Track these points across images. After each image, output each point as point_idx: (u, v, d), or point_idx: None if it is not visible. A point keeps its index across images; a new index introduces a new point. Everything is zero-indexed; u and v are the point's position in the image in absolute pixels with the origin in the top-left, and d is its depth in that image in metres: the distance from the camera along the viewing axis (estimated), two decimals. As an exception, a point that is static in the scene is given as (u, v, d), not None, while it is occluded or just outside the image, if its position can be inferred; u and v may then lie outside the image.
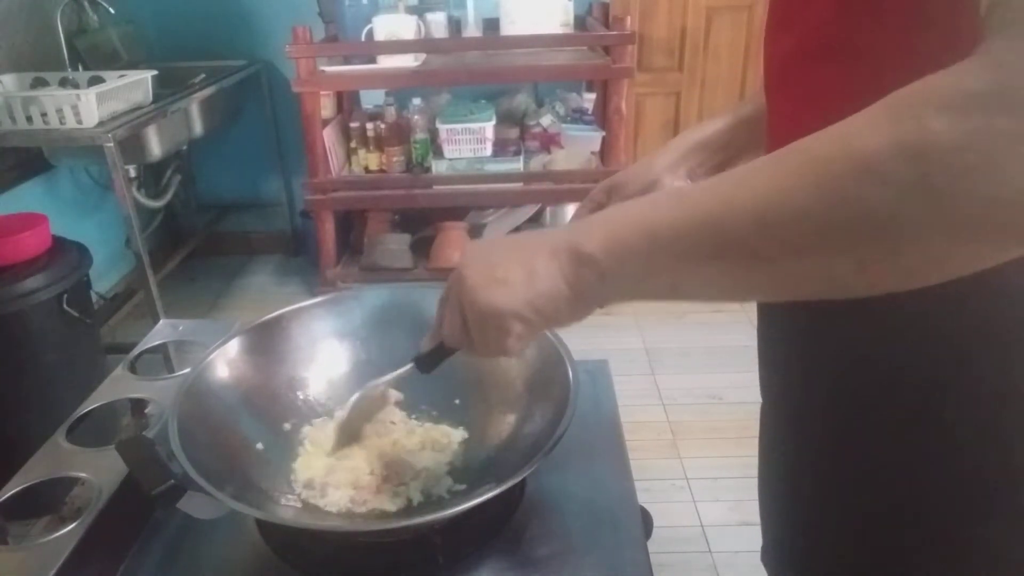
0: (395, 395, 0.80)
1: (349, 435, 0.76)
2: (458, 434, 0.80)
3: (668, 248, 0.42)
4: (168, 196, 2.78)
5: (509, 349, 0.51)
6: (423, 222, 2.88)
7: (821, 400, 0.61)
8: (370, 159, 2.67)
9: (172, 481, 0.61)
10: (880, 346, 0.54)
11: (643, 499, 0.75)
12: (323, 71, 2.52)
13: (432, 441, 0.78)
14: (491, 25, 2.72)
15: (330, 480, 0.73)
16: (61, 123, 2.00)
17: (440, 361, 0.63)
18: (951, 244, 0.35)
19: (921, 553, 0.57)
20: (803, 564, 0.68)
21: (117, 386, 0.89)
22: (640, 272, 0.44)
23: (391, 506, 0.71)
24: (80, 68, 2.42)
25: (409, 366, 0.66)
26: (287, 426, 0.80)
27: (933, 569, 0.57)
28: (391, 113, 2.62)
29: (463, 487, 0.73)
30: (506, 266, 0.48)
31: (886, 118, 0.36)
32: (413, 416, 0.83)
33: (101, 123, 2.03)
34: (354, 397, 0.74)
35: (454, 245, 2.75)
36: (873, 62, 0.49)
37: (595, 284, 0.45)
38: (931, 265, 0.36)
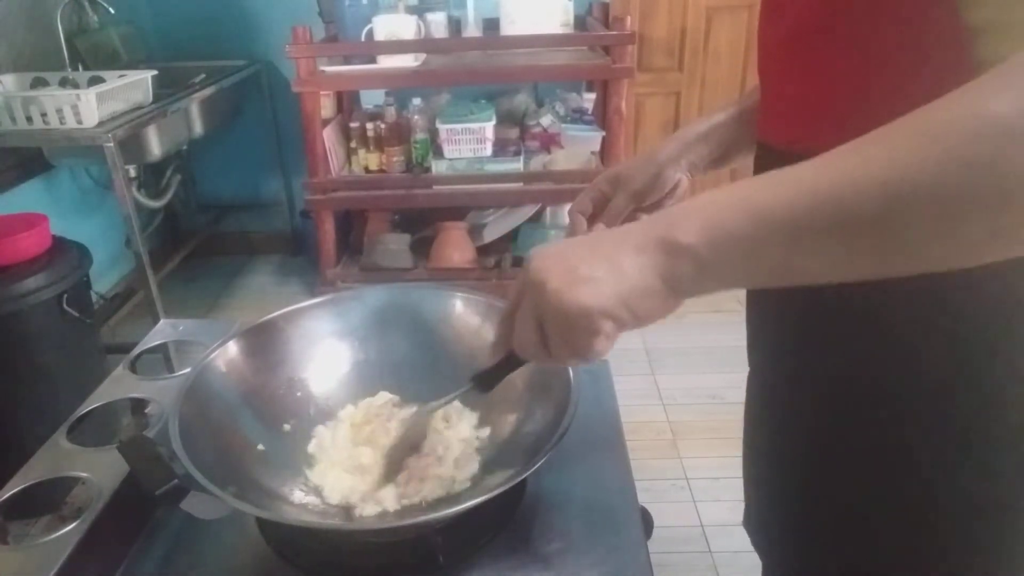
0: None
1: (396, 463, 0.73)
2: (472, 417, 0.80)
3: (783, 229, 0.41)
4: (168, 196, 2.78)
5: (597, 351, 0.48)
6: (423, 222, 2.88)
7: (807, 380, 0.62)
8: (370, 159, 2.67)
9: (175, 481, 0.61)
10: (868, 339, 0.56)
11: (643, 499, 0.75)
12: (323, 71, 2.52)
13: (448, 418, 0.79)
14: (491, 25, 2.72)
15: (357, 487, 0.72)
16: (61, 123, 2.00)
17: (503, 378, 0.60)
18: None
19: (892, 538, 0.59)
20: (783, 533, 0.71)
21: (117, 386, 0.89)
22: (747, 258, 0.42)
23: (429, 494, 0.71)
24: (80, 68, 2.42)
25: (465, 387, 0.63)
26: (287, 427, 0.80)
27: (906, 551, 0.59)
28: (391, 113, 2.62)
29: (466, 485, 0.73)
30: (590, 264, 0.46)
31: (1010, 80, 0.36)
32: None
33: (101, 123, 2.03)
34: (405, 419, 0.72)
35: (454, 245, 2.75)
36: (862, 41, 0.50)
37: (693, 275, 0.44)
38: None
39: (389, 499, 0.71)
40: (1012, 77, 0.36)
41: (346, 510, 0.71)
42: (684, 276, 0.44)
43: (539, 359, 0.52)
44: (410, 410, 0.81)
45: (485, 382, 0.62)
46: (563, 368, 0.73)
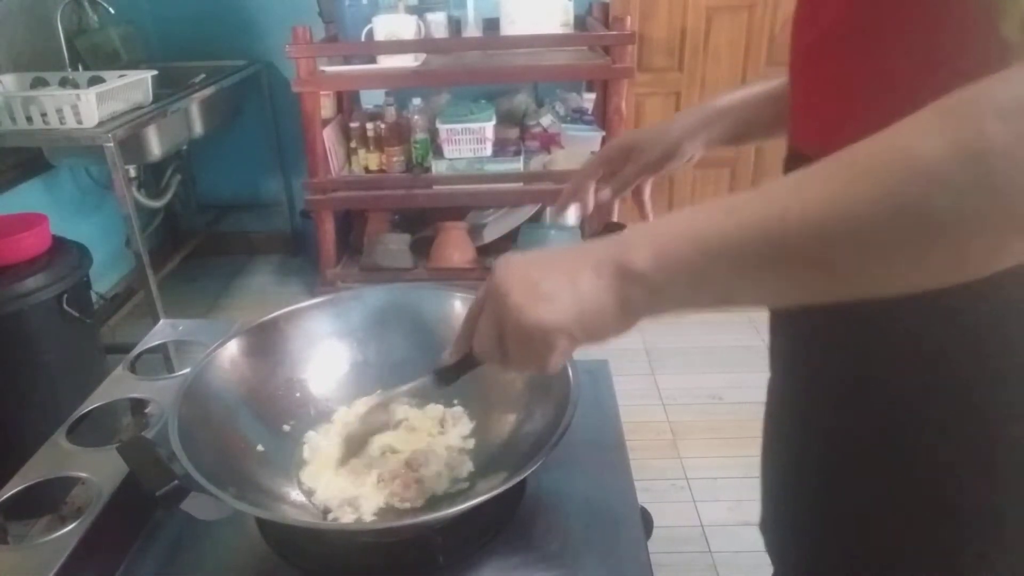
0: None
1: (355, 447, 0.75)
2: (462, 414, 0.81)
3: (723, 259, 0.42)
4: (168, 196, 2.78)
5: (550, 366, 0.51)
6: (423, 222, 2.88)
7: (826, 384, 0.62)
8: (370, 159, 2.67)
9: (175, 482, 0.61)
10: (880, 357, 0.56)
11: (643, 499, 0.75)
12: (323, 71, 2.52)
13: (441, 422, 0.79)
14: (491, 25, 2.71)
15: (346, 490, 0.72)
16: (61, 123, 2.00)
17: (462, 375, 0.62)
18: (1012, 236, 0.37)
19: (912, 543, 0.59)
20: (798, 537, 0.70)
21: (117, 386, 0.89)
22: (692, 284, 0.44)
23: (416, 500, 0.71)
24: (80, 68, 2.42)
25: (427, 378, 0.65)
26: (287, 427, 0.80)
27: (926, 555, 0.59)
28: (391, 113, 2.62)
29: (465, 485, 0.73)
30: (550, 281, 0.48)
31: (941, 124, 0.37)
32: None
33: (101, 123, 2.03)
34: (363, 408, 0.73)
35: (454, 245, 2.75)
36: (892, 48, 0.50)
37: (645, 299, 0.46)
38: (990, 256, 0.38)
39: (377, 503, 0.71)
40: (945, 119, 0.37)
41: (335, 512, 0.71)
42: (637, 299, 0.46)
43: (496, 364, 0.54)
44: (406, 411, 0.81)
45: (445, 377, 0.63)
46: (562, 368, 0.73)
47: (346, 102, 2.96)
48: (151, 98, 2.26)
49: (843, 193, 0.39)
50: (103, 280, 2.64)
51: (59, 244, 1.82)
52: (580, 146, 2.67)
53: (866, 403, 0.58)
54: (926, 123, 0.38)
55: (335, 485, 0.73)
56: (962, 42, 0.47)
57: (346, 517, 0.70)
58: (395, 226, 2.91)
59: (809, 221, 0.39)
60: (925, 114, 0.38)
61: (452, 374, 0.62)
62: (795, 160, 0.65)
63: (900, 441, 0.57)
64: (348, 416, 0.81)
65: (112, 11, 2.48)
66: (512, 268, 0.50)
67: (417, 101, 2.63)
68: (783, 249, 0.41)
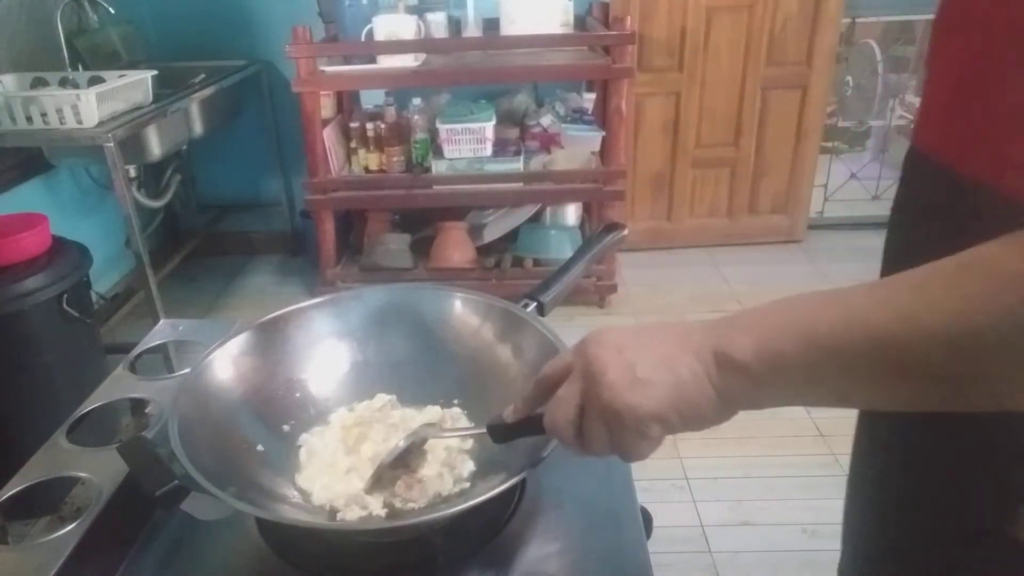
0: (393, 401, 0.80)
1: (384, 481, 0.72)
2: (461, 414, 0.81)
3: (835, 361, 0.40)
4: (168, 196, 2.78)
5: (640, 453, 0.48)
6: (423, 222, 2.88)
7: (918, 422, 0.58)
8: (370, 159, 2.67)
9: (175, 482, 0.61)
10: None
11: (643, 499, 0.75)
12: (323, 71, 2.52)
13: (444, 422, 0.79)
14: (491, 25, 2.71)
15: (352, 488, 0.72)
16: (61, 123, 2.00)
17: (519, 437, 0.59)
18: None
19: None
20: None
21: (117, 386, 0.89)
22: (800, 381, 0.42)
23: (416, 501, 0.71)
24: (80, 68, 2.42)
25: (479, 430, 0.63)
26: (287, 427, 0.80)
27: None
28: (391, 113, 2.62)
29: (466, 485, 0.73)
30: (648, 365, 0.45)
31: None
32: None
33: (101, 123, 2.03)
34: (402, 443, 0.71)
35: (454, 245, 2.75)
36: None
37: (746, 391, 0.44)
38: None
39: (374, 504, 0.71)
40: None
41: (332, 513, 0.71)
42: (738, 391, 0.44)
43: (567, 442, 0.51)
44: (404, 412, 0.81)
45: (500, 435, 0.61)
46: (563, 368, 0.72)
47: (346, 102, 2.96)
48: (151, 98, 2.26)
49: (978, 305, 0.36)
50: (103, 280, 2.64)
51: (59, 244, 1.82)
52: (580, 146, 2.67)
53: (964, 438, 0.55)
54: None
55: (339, 485, 0.73)
56: None
57: (354, 516, 0.70)
58: (395, 226, 2.91)
59: (941, 334, 0.37)
60: None
61: (509, 434, 0.60)
62: (916, 160, 0.62)
63: (998, 478, 0.54)
64: (348, 419, 0.81)
65: (112, 11, 2.48)
66: (607, 345, 0.47)
67: (417, 101, 2.63)
68: (907, 358, 0.38)
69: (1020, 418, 0.41)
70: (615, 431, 0.47)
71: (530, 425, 0.56)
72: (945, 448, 0.58)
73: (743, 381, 0.43)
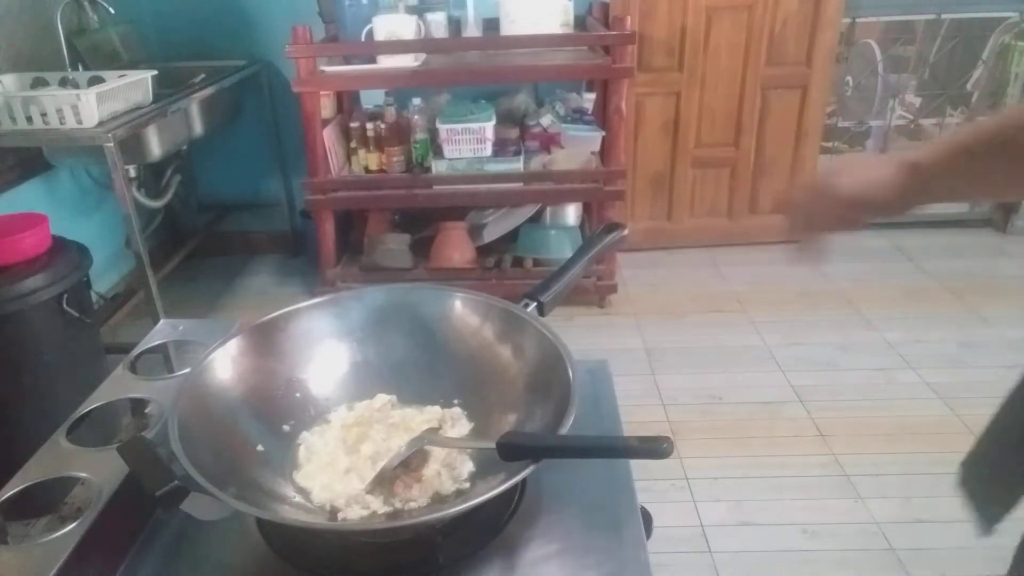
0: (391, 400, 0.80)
1: (385, 480, 0.73)
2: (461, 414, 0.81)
3: (968, 151, 0.66)
4: (168, 196, 2.78)
5: (849, 223, 0.74)
6: (423, 222, 2.88)
7: None
8: (370, 159, 2.67)
9: (175, 482, 0.61)
10: None
11: (643, 499, 0.75)
12: (323, 71, 2.52)
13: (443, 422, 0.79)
14: (491, 25, 2.71)
15: (352, 488, 0.72)
16: (61, 123, 2.01)
17: (526, 457, 0.63)
18: None
19: None
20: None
21: (117, 386, 0.89)
22: (948, 172, 0.67)
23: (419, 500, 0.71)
24: (80, 68, 2.42)
25: (489, 445, 0.66)
26: (287, 427, 0.80)
27: None
28: (391, 113, 2.62)
29: (466, 485, 0.73)
30: (860, 167, 0.73)
31: None
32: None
33: (101, 123, 2.03)
34: (404, 449, 0.72)
35: (454, 245, 2.75)
36: None
37: (917, 183, 0.68)
38: None
39: (375, 504, 0.71)
40: None
41: (332, 513, 0.71)
42: (912, 182, 0.69)
43: (802, 226, 0.78)
44: (404, 412, 0.81)
45: (508, 453, 0.64)
46: (562, 368, 0.73)
47: (346, 102, 2.96)
48: (151, 98, 2.26)
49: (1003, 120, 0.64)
50: (103, 280, 2.64)
51: (59, 244, 1.82)
52: (580, 146, 2.67)
53: None
54: None
55: (339, 485, 0.73)
56: None
57: (354, 515, 0.70)
58: (395, 226, 2.91)
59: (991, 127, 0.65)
60: None
61: (517, 453, 0.63)
62: None
63: None
64: (348, 418, 0.81)
65: (112, 11, 2.48)
66: (835, 163, 0.74)
67: (417, 101, 2.63)
68: (1002, 139, 0.63)
69: None
70: (835, 207, 0.73)
71: (542, 451, 0.63)
72: None
73: (915, 174, 0.69)
